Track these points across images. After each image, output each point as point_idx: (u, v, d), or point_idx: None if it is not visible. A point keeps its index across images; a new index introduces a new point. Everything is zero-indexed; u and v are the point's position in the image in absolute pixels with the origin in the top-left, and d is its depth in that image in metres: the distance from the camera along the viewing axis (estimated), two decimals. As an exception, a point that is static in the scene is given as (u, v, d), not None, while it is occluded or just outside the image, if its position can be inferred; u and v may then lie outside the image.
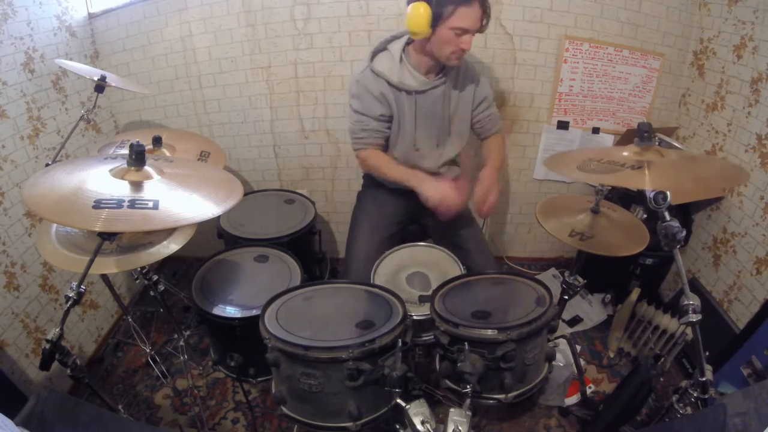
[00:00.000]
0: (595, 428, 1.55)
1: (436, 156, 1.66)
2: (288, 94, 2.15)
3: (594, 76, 2.07)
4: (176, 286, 2.30)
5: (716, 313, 1.80)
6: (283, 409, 1.21)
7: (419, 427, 1.01)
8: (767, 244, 1.62)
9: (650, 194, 0.98)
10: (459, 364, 1.11)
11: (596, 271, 1.77)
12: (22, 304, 1.65)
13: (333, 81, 2.10)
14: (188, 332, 2.06)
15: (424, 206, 1.45)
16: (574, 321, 2.16)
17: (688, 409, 1.16)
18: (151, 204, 0.95)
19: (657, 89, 2.10)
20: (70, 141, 1.70)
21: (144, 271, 1.61)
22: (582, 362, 1.80)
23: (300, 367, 1.11)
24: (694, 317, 0.99)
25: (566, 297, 1.56)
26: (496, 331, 1.13)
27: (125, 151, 1.18)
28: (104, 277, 1.78)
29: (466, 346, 1.12)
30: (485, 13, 1.39)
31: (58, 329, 1.00)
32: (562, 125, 2.17)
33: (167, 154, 1.62)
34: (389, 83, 1.52)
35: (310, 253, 2.01)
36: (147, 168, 1.06)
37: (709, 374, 1.08)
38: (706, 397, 1.09)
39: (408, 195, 1.51)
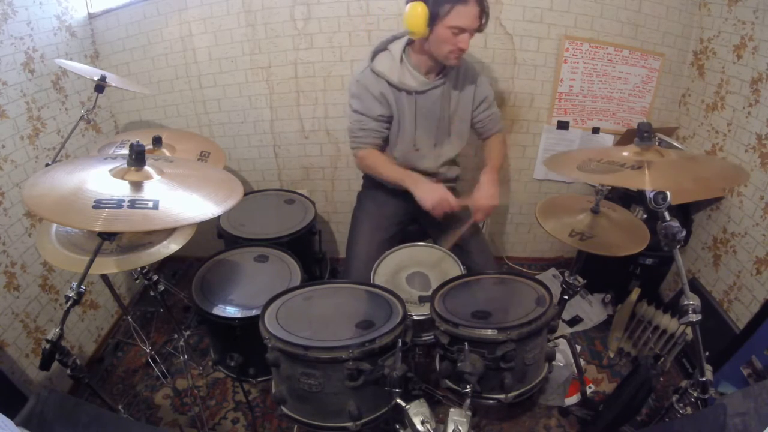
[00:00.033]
0: (595, 428, 1.55)
1: (435, 156, 1.66)
2: (288, 94, 2.15)
3: (594, 76, 2.06)
4: (176, 286, 2.30)
5: (716, 313, 1.80)
6: (283, 409, 1.21)
7: (419, 427, 1.01)
8: (767, 244, 1.62)
9: (650, 194, 0.98)
10: (459, 364, 1.11)
11: (596, 271, 1.77)
12: (22, 304, 1.65)
13: (333, 81, 2.10)
14: (188, 332, 2.06)
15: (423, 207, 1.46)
16: (574, 321, 2.15)
17: (688, 409, 1.16)
18: (151, 204, 0.95)
19: (657, 89, 2.10)
20: (70, 141, 1.70)
21: (144, 271, 1.61)
22: (582, 362, 1.80)
23: (300, 367, 1.11)
24: (694, 317, 0.99)
25: (566, 297, 1.56)
26: (496, 331, 1.12)
27: (125, 151, 1.18)
28: (104, 277, 1.78)
29: (466, 346, 1.12)
30: (483, 12, 1.39)
31: (58, 329, 1.00)
32: (562, 125, 2.17)
33: (167, 154, 1.62)
34: (389, 83, 1.52)
35: (310, 253, 2.01)
36: (147, 168, 1.06)
37: (709, 374, 1.08)
38: (706, 397, 1.09)
39: (408, 195, 1.52)
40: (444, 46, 1.42)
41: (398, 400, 1.07)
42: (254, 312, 1.38)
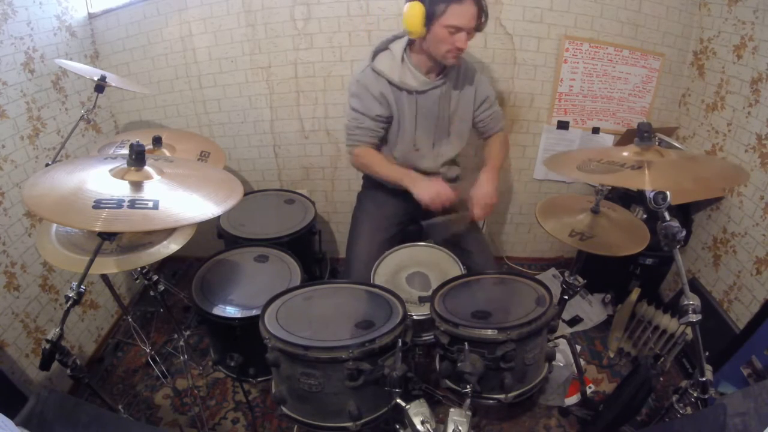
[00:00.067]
0: (595, 428, 1.55)
1: (435, 156, 1.66)
2: (288, 94, 2.15)
3: (594, 76, 2.06)
4: (176, 286, 2.30)
5: (716, 313, 1.80)
6: (283, 409, 1.21)
7: (419, 427, 1.01)
8: (767, 244, 1.62)
9: (650, 194, 0.98)
10: (459, 364, 1.11)
11: (596, 271, 1.77)
12: (22, 304, 1.65)
13: (333, 81, 2.10)
14: (188, 332, 2.06)
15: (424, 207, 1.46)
16: (574, 321, 2.15)
17: (688, 409, 1.16)
18: (151, 204, 0.95)
19: (657, 89, 2.10)
20: (70, 141, 1.70)
21: (144, 271, 1.61)
22: (582, 362, 1.80)
23: (300, 367, 1.11)
24: (694, 317, 0.99)
25: (566, 297, 1.56)
26: (496, 331, 1.13)
27: (125, 151, 1.18)
28: (104, 277, 1.78)
29: (466, 346, 1.12)
30: (481, 11, 1.39)
31: (58, 329, 1.00)
32: (562, 125, 2.17)
33: (167, 154, 1.62)
34: (390, 82, 1.52)
35: (310, 253, 2.01)
36: (147, 168, 1.06)
37: (709, 374, 1.08)
38: (706, 397, 1.09)
39: (408, 196, 1.51)
40: (441, 46, 1.42)
41: (398, 400, 1.07)
42: (254, 312, 1.38)
